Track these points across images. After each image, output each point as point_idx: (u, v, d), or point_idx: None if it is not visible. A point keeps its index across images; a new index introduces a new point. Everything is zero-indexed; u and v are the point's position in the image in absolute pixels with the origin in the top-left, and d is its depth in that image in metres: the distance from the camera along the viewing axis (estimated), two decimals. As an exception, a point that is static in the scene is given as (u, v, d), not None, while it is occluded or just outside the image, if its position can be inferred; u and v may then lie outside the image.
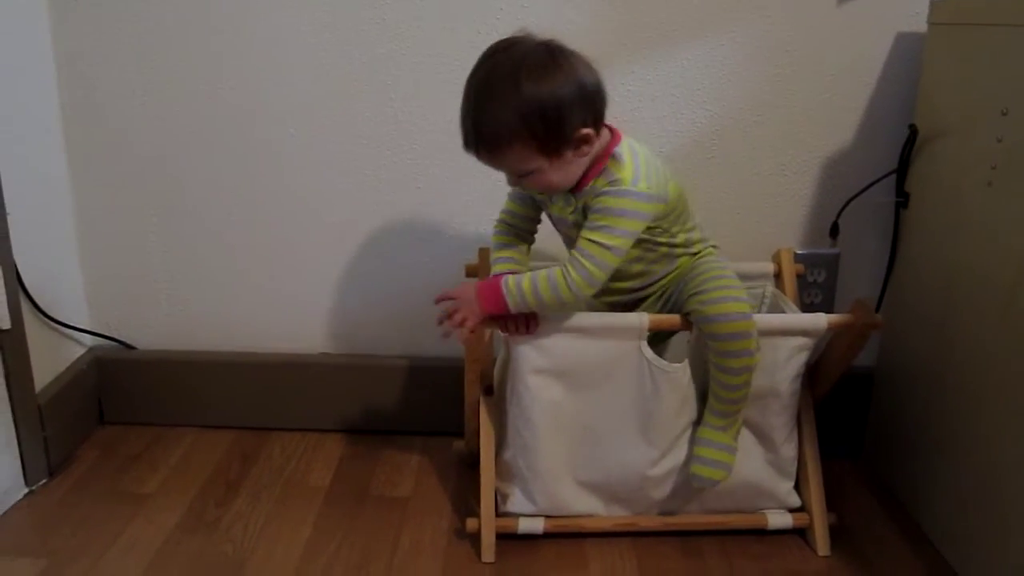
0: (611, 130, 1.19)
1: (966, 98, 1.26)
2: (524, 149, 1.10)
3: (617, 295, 1.31)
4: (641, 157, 1.18)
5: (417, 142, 1.50)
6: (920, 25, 1.38)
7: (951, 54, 1.30)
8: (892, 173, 1.43)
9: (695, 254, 1.29)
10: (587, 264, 1.14)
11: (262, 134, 1.51)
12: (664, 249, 1.25)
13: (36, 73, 1.47)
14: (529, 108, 1.07)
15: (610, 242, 1.14)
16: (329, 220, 1.55)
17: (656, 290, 1.30)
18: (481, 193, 1.52)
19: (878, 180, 1.45)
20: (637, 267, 1.26)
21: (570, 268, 1.15)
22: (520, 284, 1.16)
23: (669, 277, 1.29)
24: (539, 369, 1.24)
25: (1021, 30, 1.12)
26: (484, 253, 1.42)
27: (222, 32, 1.46)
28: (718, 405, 1.24)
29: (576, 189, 1.19)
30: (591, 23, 1.43)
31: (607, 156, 1.17)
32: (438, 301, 1.22)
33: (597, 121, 1.13)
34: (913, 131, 1.38)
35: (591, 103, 1.11)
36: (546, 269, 1.17)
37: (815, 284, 1.55)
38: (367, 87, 1.48)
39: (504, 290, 1.16)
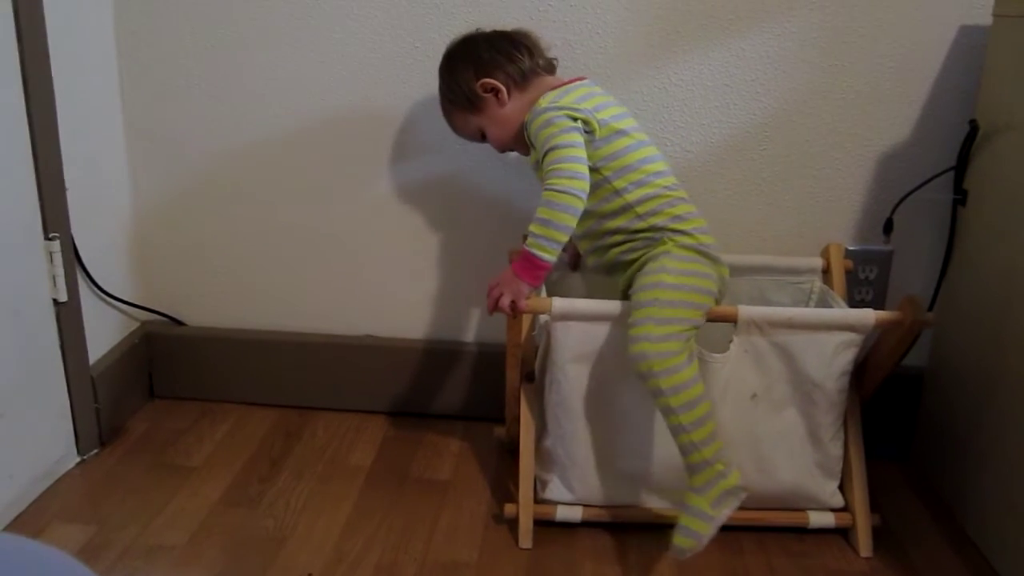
0: (564, 83, 1.31)
1: (1030, 93, 1.22)
2: (460, 113, 1.35)
3: (594, 255, 1.33)
4: (574, 93, 1.28)
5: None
6: (984, 17, 1.35)
7: (1016, 47, 1.26)
8: (951, 170, 1.40)
9: (657, 229, 1.26)
10: (556, 167, 1.21)
11: (316, 115, 1.53)
12: (618, 201, 1.26)
13: (96, 54, 1.51)
14: (446, 88, 1.35)
15: (557, 141, 1.23)
16: (376, 203, 1.57)
17: (616, 255, 1.29)
18: (527, 179, 1.52)
19: (936, 176, 1.42)
20: (589, 222, 1.28)
21: (548, 181, 1.21)
22: (532, 231, 1.21)
23: (635, 244, 1.27)
24: (579, 357, 1.24)
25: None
26: (529, 240, 1.42)
27: (278, 10, 1.48)
28: (682, 458, 1.19)
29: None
30: (647, 11, 1.42)
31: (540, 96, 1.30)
32: (489, 297, 1.24)
33: (510, 75, 1.31)
34: (974, 127, 1.35)
35: (491, 64, 1.31)
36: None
37: (866, 281, 1.52)
38: (416, 70, 1.48)
39: (530, 249, 1.20)
